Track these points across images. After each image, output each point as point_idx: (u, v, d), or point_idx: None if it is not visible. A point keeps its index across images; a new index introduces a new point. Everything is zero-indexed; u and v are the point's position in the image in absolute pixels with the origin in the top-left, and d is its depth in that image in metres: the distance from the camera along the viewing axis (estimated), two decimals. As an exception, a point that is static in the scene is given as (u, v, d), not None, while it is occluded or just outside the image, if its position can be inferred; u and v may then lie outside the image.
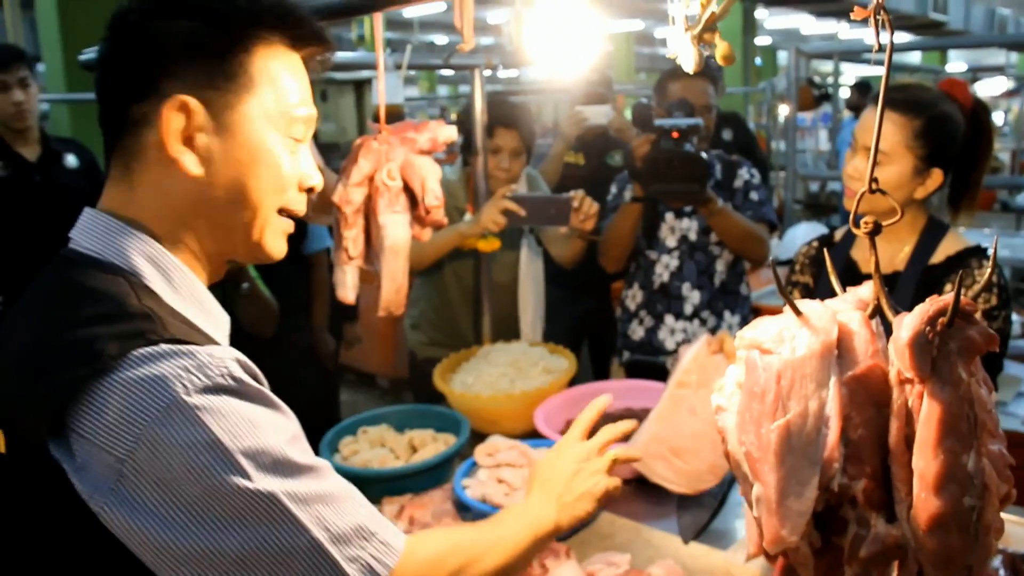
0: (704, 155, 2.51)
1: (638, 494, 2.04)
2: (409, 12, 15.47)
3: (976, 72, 17.09)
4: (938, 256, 1.93)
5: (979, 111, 1.92)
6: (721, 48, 0.99)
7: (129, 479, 0.83)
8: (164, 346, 0.89)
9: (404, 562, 0.99)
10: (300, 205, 1.11)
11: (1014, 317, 3.61)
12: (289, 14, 1.05)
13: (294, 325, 3.15)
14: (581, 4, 1.30)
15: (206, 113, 0.99)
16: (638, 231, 2.93)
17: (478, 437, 2.24)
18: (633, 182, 2.73)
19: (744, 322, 2.97)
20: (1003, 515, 1.89)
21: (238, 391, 0.90)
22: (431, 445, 2.20)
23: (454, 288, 3.10)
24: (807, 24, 19.17)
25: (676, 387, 1.98)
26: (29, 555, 0.91)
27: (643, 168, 2.54)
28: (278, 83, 1.04)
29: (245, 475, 0.86)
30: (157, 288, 0.99)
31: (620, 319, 3.11)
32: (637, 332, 3.02)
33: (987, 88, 15.55)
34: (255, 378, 0.95)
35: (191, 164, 0.99)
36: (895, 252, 1.98)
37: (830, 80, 5.42)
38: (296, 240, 3.32)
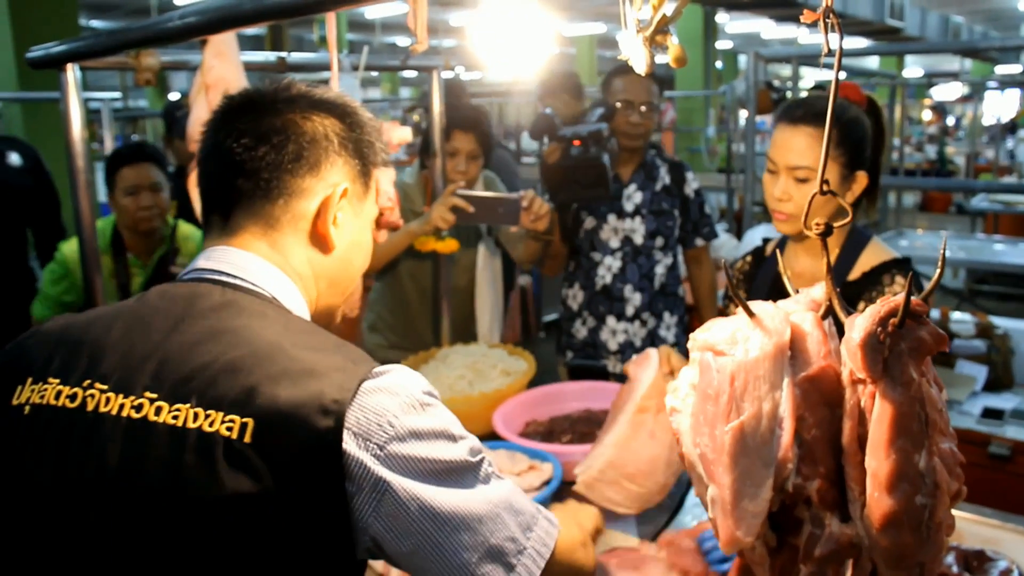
0: (605, 159, 2.57)
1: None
2: (371, 13, 15.41)
3: (932, 78, 17.41)
4: (855, 272, 1.91)
5: (873, 108, 1.94)
6: (673, 50, 0.99)
7: (391, 457, 0.96)
8: (389, 365, 1.06)
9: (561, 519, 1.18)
10: None
11: (967, 317, 3.67)
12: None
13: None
14: (535, 6, 1.29)
15: (347, 204, 1.20)
16: (580, 234, 2.99)
17: (437, 440, 2.22)
18: (547, 190, 2.80)
19: (681, 323, 3.03)
20: (956, 512, 1.92)
21: (436, 396, 1.08)
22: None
23: (412, 290, 3.09)
24: (767, 29, 19.39)
25: (636, 412, 1.93)
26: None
27: (550, 177, 2.61)
28: (377, 192, 1.29)
29: (470, 452, 1.04)
30: None
31: (563, 318, 3.15)
32: (580, 332, 3.05)
33: (943, 93, 15.85)
34: None
35: (336, 237, 1.19)
36: (817, 267, 1.93)
37: (790, 84, 5.46)
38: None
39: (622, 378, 2.94)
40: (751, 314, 0.92)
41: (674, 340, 3.01)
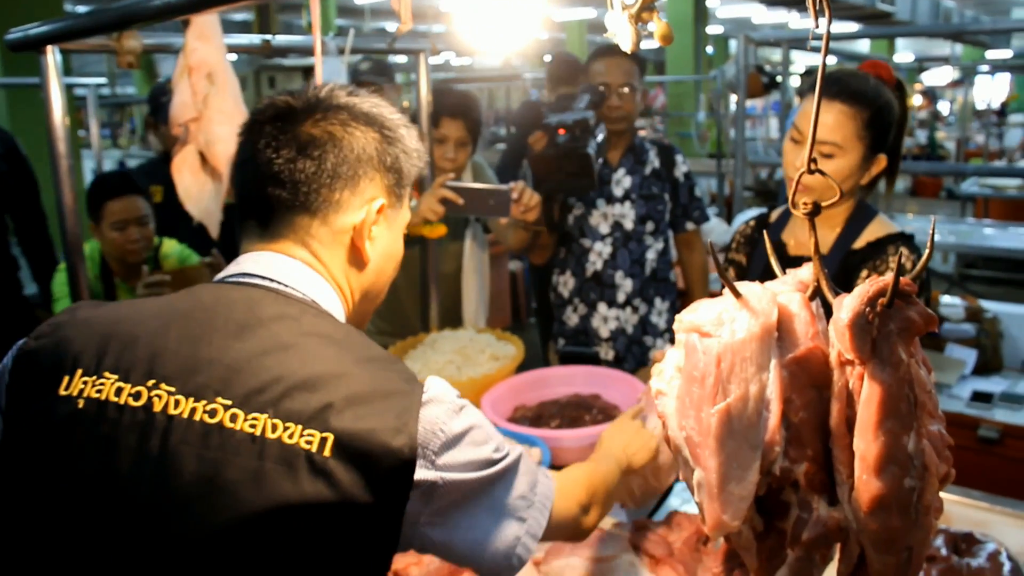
0: (591, 149, 2.54)
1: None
2: (360, -1, 15.32)
3: (923, 62, 17.39)
4: (860, 241, 1.94)
5: (901, 90, 1.94)
6: (659, 28, 0.97)
7: (443, 458, 1.04)
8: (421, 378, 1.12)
9: (564, 482, 1.31)
10: None
11: (957, 301, 3.67)
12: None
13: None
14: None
15: (381, 216, 1.22)
16: (569, 220, 2.98)
17: (425, 426, 2.21)
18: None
19: (673, 308, 3.02)
20: (945, 495, 1.92)
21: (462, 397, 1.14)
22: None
23: (400, 277, 3.04)
24: (758, 13, 19.34)
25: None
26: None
27: (535, 166, 2.59)
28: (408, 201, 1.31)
29: (497, 450, 1.12)
30: None
31: (554, 304, 3.12)
32: (572, 319, 3.04)
33: (934, 78, 15.84)
34: None
35: (370, 251, 1.22)
36: (825, 236, 1.97)
37: (790, 68, 5.45)
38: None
39: (613, 366, 2.95)
40: (737, 295, 0.90)
41: (666, 326, 3.00)
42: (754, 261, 2.14)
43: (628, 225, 2.92)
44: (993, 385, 3.17)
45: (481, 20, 1.37)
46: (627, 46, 0.99)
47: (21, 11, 5.33)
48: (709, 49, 15.84)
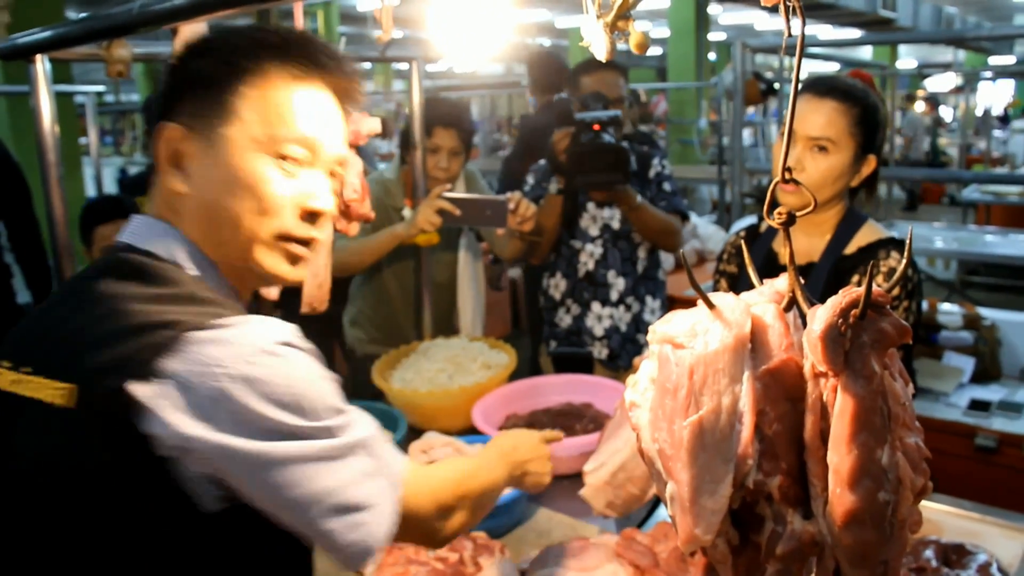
0: (624, 145, 2.59)
1: (574, 490, 2.01)
2: (363, 6, 15.35)
3: (925, 68, 17.38)
4: (851, 247, 1.94)
5: (882, 97, 1.97)
6: (635, 36, 0.96)
7: (221, 413, 0.94)
8: (240, 316, 1.02)
9: (427, 479, 1.20)
10: (302, 230, 1.17)
11: (955, 308, 3.65)
12: (292, 48, 1.16)
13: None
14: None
15: (192, 139, 1.12)
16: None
17: (417, 433, 2.21)
18: (556, 175, 2.80)
19: (664, 306, 3.06)
20: (935, 505, 1.91)
21: (305, 348, 1.04)
22: (368, 443, 2.16)
23: (393, 285, 3.07)
24: (760, 20, 19.34)
25: None
26: (95, 510, 0.98)
27: (567, 161, 2.61)
28: (270, 110, 1.13)
29: (315, 415, 1.01)
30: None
31: (545, 308, 3.14)
32: (564, 320, 3.05)
33: (936, 84, 15.83)
34: None
35: (174, 181, 1.13)
36: (815, 243, 1.98)
37: (785, 74, 5.44)
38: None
39: (608, 364, 2.95)
40: (711, 306, 0.89)
41: None
42: (745, 271, 2.13)
43: (616, 225, 2.95)
44: (991, 393, 3.15)
45: (454, 26, 1.36)
46: (602, 55, 0.98)
47: (22, 19, 5.35)
48: (712, 56, 15.85)
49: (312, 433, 1.00)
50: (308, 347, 1.05)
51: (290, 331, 1.04)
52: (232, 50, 1.14)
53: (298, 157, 1.14)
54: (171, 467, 0.96)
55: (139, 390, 0.94)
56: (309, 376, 1.02)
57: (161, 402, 0.94)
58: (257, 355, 0.97)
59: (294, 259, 1.18)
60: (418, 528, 1.18)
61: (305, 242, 1.18)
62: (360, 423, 1.08)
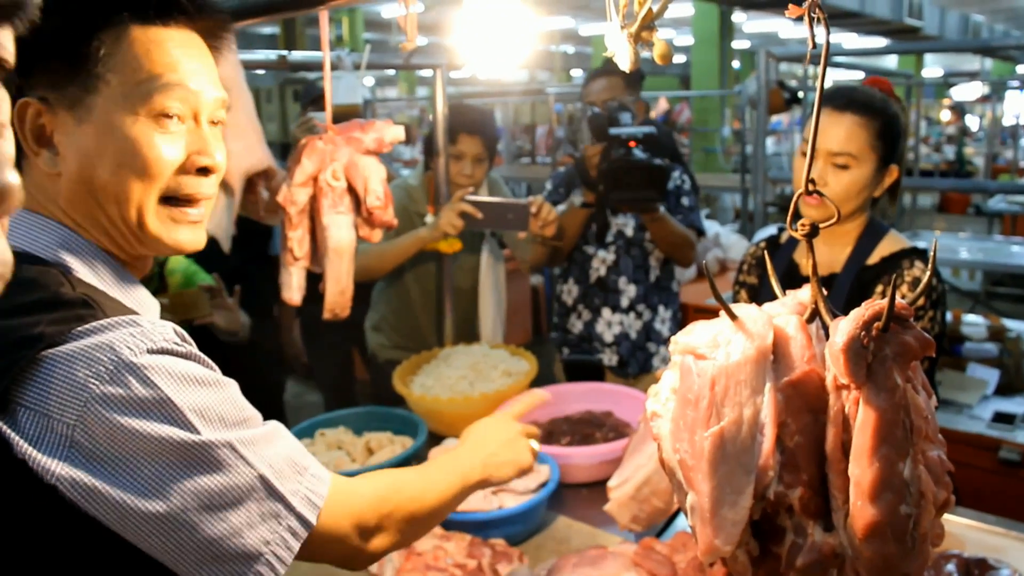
0: (659, 162, 2.54)
1: (593, 499, 2.01)
2: (387, 12, 15.44)
3: (951, 77, 17.23)
4: (874, 257, 1.94)
5: (899, 103, 1.95)
6: (659, 47, 0.96)
7: (82, 444, 0.86)
8: (106, 320, 0.91)
9: (348, 496, 1.10)
10: (191, 187, 1.08)
11: (980, 320, 3.62)
12: None
13: (260, 327, 3.10)
14: (517, 2, 1.27)
15: (56, 113, 1.01)
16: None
17: (437, 440, 2.21)
18: (584, 189, 2.77)
19: (675, 316, 3.05)
20: (958, 519, 1.89)
21: (182, 353, 0.95)
22: (388, 448, 2.17)
23: (415, 291, 3.08)
24: (785, 28, 19.27)
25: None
26: None
27: (602, 176, 2.57)
28: (135, 64, 1.02)
29: (193, 429, 0.91)
30: (84, 276, 1.01)
31: (557, 314, 3.15)
32: (576, 326, 3.05)
33: (962, 93, 15.69)
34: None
35: (45, 162, 1.02)
36: (837, 254, 1.97)
37: (809, 83, 5.41)
38: (262, 241, 3.30)
39: (617, 371, 2.94)
40: (733, 317, 0.89)
41: (669, 334, 3.00)
42: (766, 282, 2.13)
43: (629, 232, 2.95)
44: (1015, 406, 3.12)
45: (479, 34, 1.37)
46: (626, 65, 0.99)
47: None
48: (735, 64, 15.81)
49: (195, 452, 0.91)
50: (185, 351, 0.95)
51: (165, 334, 0.94)
52: (81, 7, 1.02)
53: (177, 112, 1.05)
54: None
55: None
56: (183, 385, 0.92)
57: (15, 437, 0.85)
58: (120, 371, 0.88)
59: (189, 224, 1.09)
60: (335, 549, 1.10)
61: (193, 200, 1.09)
62: (258, 440, 0.98)
